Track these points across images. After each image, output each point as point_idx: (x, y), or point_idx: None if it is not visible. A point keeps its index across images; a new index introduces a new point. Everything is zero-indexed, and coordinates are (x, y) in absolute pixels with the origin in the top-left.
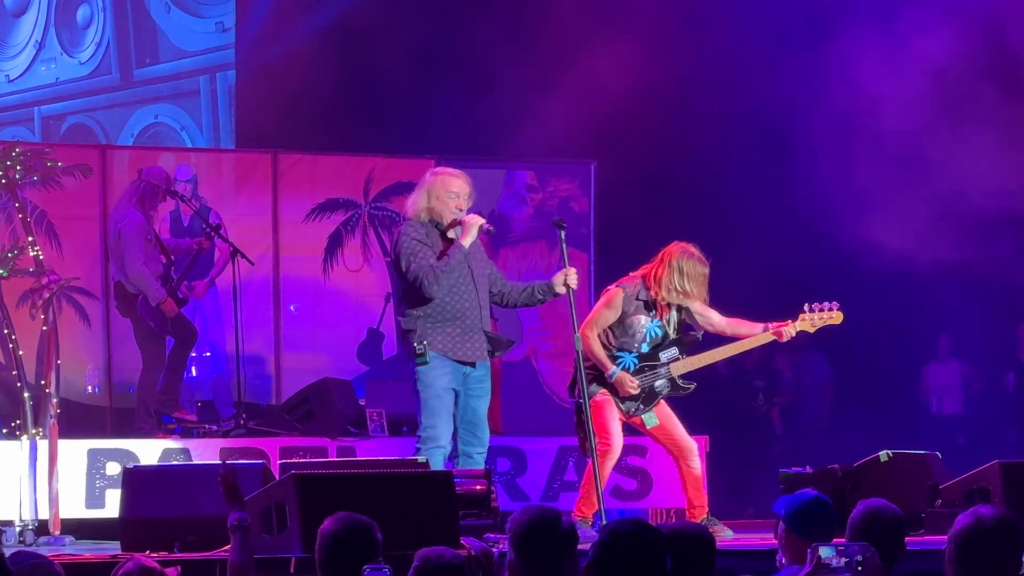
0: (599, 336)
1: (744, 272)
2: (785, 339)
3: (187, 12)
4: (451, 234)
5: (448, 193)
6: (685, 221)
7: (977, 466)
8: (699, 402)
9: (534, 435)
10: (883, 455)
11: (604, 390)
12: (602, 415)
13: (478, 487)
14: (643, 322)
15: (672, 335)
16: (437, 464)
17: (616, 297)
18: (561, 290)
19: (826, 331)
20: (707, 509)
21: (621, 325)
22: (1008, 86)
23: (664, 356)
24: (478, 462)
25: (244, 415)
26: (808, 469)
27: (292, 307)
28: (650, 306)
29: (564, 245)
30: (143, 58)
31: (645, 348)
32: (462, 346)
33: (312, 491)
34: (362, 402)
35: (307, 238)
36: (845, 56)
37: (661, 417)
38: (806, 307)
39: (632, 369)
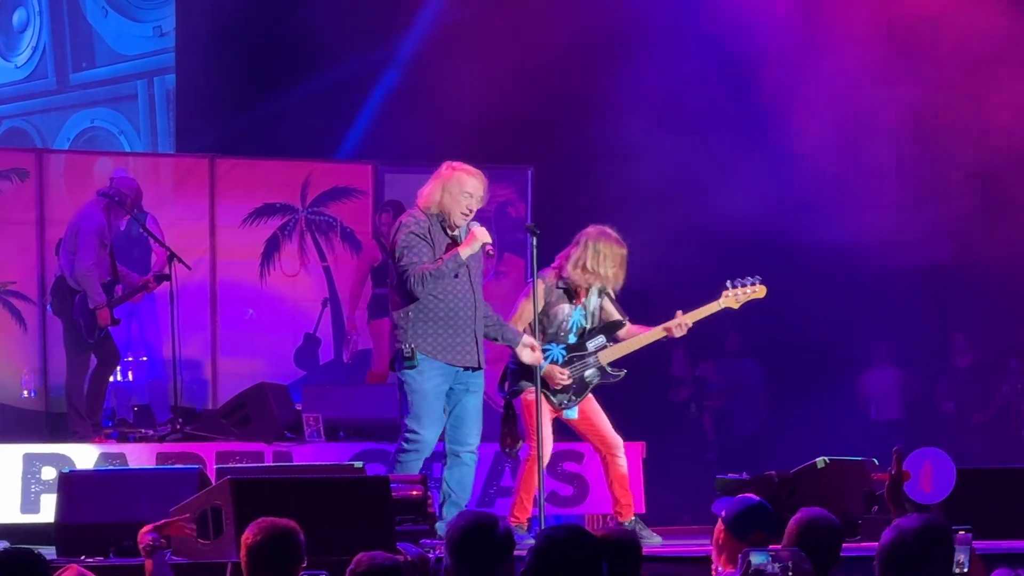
0: (525, 332)
1: (681, 272)
2: (677, 334)
3: (125, 16)
4: (455, 233)
5: (463, 192)
6: (623, 224)
7: None
8: (630, 408)
9: None
10: (820, 461)
11: (533, 387)
12: (531, 416)
13: (414, 492)
14: (567, 311)
15: (595, 322)
16: (414, 469)
17: (535, 287)
18: (525, 357)
19: (764, 337)
20: (634, 508)
21: (547, 316)
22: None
23: (592, 345)
24: (466, 462)
25: (181, 420)
26: (745, 475)
27: (250, 311)
28: (571, 294)
29: (535, 252)
30: (80, 62)
31: (572, 339)
32: (452, 349)
33: (248, 496)
34: (299, 407)
35: (244, 243)
36: (781, 52)
37: (588, 411)
38: (728, 284)
39: (561, 361)
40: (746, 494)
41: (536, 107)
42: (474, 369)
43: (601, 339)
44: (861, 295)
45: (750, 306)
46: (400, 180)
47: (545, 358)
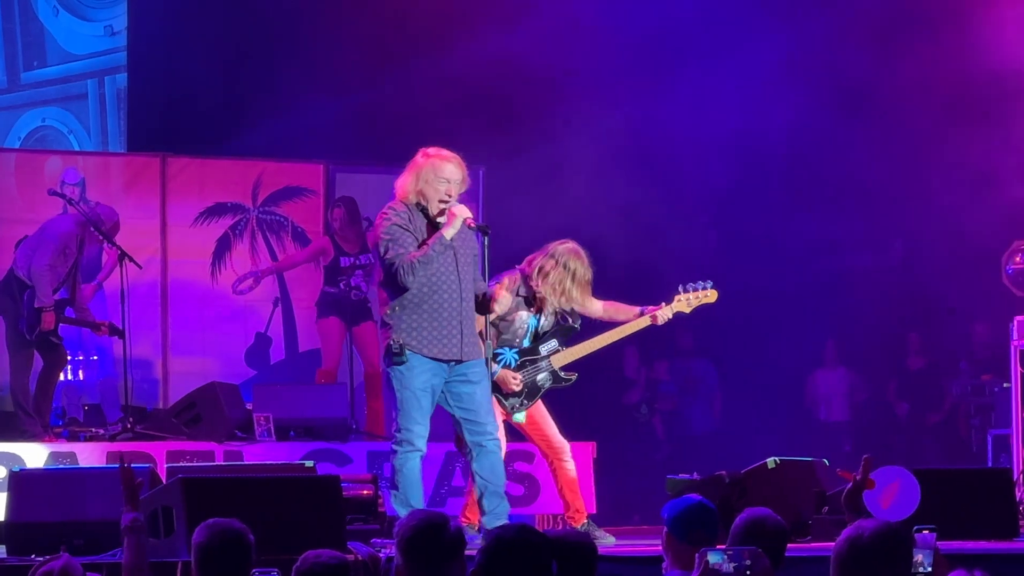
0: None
1: (630, 274)
2: (661, 322)
3: (76, 15)
4: (440, 220)
5: (439, 178)
6: (573, 226)
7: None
8: (581, 409)
9: None
10: (770, 462)
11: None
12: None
13: (365, 492)
14: (524, 317)
15: (550, 327)
16: (413, 469)
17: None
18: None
19: (715, 337)
20: (586, 513)
21: (504, 321)
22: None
23: (544, 349)
24: (491, 450)
25: (131, 419)
26: (696, 476)
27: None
28: (529, 301)
29: (487, 251)
30: (30, 61)
31: (526, 342)
32: (438, 343)
33: (199, 495)
34: (249, 406)
35: (195, 242)
36: (716, 62)
37: (535, 415)
38: (680, 288)
39: (513, 365)
40: (689, 495)
41: (487, 107)
42: (458, 362)
43: (554, 343)
44: (812, 295)
45: (704, 306)
46: (351, 180)
47: (498, 362)
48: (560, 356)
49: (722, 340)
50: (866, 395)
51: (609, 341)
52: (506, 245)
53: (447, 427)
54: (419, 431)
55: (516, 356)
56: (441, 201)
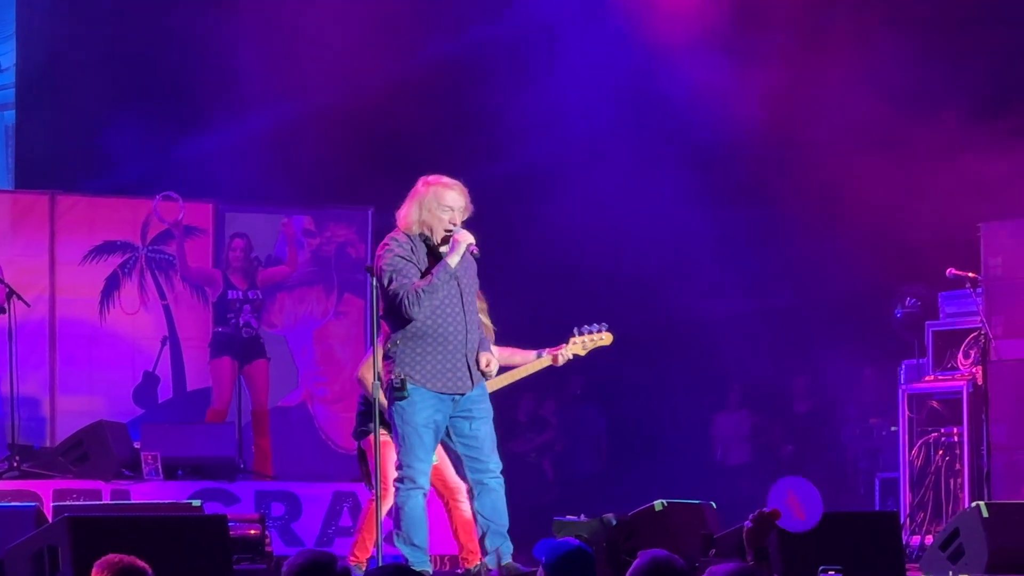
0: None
1: (527, 315)
2: (561, 362)
3: None
4: (443, 249)
5: (441, 206)
6: None
7: None
8: None
9: (309, 480)
10: (658, 504)
11: (384, 430)
12: (384, 459)
13: (252, 531)
14: None
15: None
16: (416, 507)
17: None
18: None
19: (609, 380)
20: (479, 554)
21: None
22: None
23: None
24: (494, 488)
25: (18, 457)
26: (582, 517)
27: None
28: None
29: (375, 292)
30: None
31: None
32: (443, 376)
33: (86, 534)
34: (137, 445)
35: (84, 280)
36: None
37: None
38: (575, 331)
39: None
40: (567, 537)
41: (375, 147)
42: (462, 395)
43: None
44: (711, 339)
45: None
46: (240, 219)
47: None
48: None
49: (618, 384)
50: (767, 438)
51: (509, 381)
52: None
53: (334, 466)
54: (421, 468)
55: None
56: (446, 229)
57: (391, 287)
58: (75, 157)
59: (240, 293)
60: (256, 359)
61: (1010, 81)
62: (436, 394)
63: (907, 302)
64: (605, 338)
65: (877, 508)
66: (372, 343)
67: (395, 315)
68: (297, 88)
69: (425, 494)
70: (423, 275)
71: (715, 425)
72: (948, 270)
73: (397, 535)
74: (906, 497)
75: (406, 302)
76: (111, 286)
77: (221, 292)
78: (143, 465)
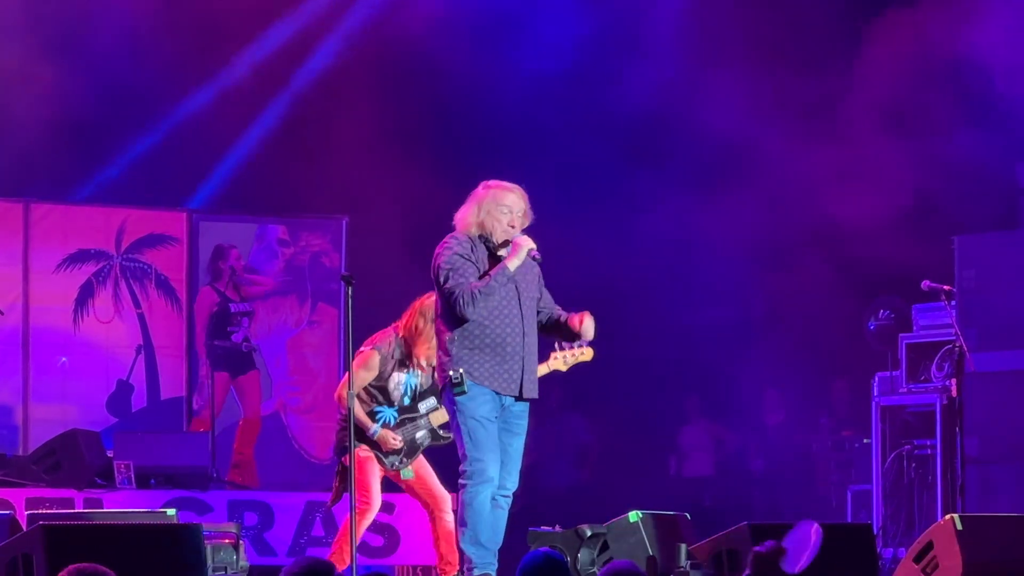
0: (357, 394)
1: None
2: (541, 374)
3: None
4: (502, 252)
5: (500, 207)
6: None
7: (722, 528)
8: (445, 461)
9: (282, 489)
10: (632, 515)
11: (365, 446)
12: (364, 473)
13: (227, 541)
14: (401, 378)
15: (429, 384)
16: (484, 503)
17: (372, 359)
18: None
19: (587, 392)
20: (458, 566)
21: (380, 383)
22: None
23: (423, 407)
24: (501, 506)
25: None
26: (557, 528)
27: (63, 359)
28: (404, 362)
29: (350, 301)
30: None
31: (406, 401)
32: (499, 376)
33: (60, 542)
34: (110, 454)
35: (58, 288)
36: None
37: (417, 467)
38: (556, 346)
39: (393, 423)
40: (541, 547)
41: (350, 156)
42: (516, 399)
43: (433, 401)
44: (676, 350)
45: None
46: (214, 228)
47: (377, 422)
48: (439, 414)
49: (595, 395)
50: (729, 449)
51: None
52: (370, 296)
53: (307, 475)
54: (491, 459)
55: (395, 414)
56: (505, 231)
57: (447, 285)
58: (49, 165)
59: (243, 305)
60: (250, 370)
61: None
62: (491, 392)
63: (880, 314)
64: (586, 353)
65: (849, 520)
66: (347, 357)
67: (450, 314)
68: (269, 94)
69: (494, 489)
70: (482, 276)
71: (680, 437)
72: (923, 282)
73: (462, 534)
74: (879, 509)
75: (461, 301)
76: (85, 294)
77: (221, 304)
78: (116, 474)
